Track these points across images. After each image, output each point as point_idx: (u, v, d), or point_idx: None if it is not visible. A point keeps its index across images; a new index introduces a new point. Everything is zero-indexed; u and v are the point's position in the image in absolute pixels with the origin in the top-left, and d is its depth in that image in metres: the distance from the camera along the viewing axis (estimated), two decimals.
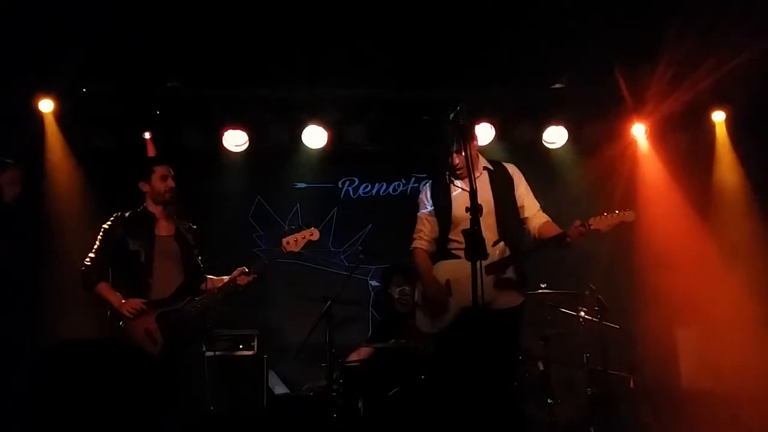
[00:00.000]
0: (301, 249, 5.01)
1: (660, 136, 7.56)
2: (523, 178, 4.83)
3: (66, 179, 7.10)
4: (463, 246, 4.48)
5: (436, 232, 4.81)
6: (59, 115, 7.01)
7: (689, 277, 6.93)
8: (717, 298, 6.74)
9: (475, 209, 3.98)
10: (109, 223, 5.01)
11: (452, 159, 4.66)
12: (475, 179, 4.07)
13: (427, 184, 4.95)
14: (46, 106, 6.92)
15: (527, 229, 4.77)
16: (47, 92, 6.87)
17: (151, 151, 7.34)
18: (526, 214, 4.76)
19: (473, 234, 3.99)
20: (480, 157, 4.84)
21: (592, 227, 4.40)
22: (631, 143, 7.63)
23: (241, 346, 6.45)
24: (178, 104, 7.22)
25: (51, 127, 7.00)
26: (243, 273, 4.98)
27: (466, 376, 4.41)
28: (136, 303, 4.75)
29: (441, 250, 4.78)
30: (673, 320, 7.01)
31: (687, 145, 7.59)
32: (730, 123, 7.49)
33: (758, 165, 7.34)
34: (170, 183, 5.05)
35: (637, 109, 7.29)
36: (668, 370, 6.85)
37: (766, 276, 6.37)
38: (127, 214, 5.05)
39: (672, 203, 7.35)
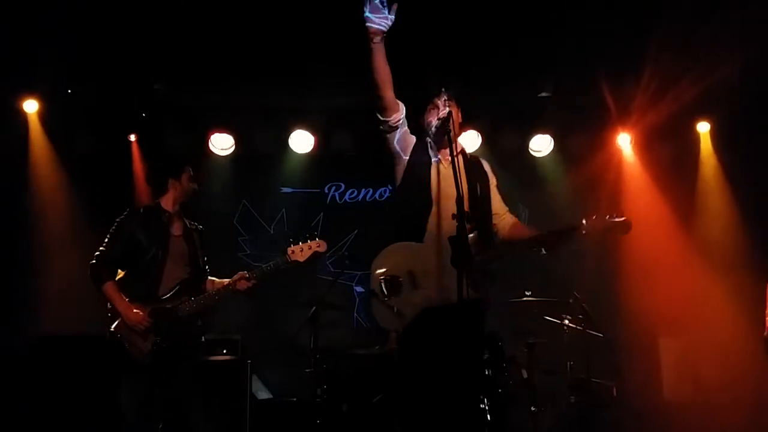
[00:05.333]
0: (307, 260, 4.93)
1: (645, 146, 7.62)
2: (494, 177, 4.58)
3: (49, 179, 7.07)
4: (434, 236, 4.20)
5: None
6: (43, 115, 6.98)
7: (672, 287, 6.99)
8: (700, 309, 6.80)
9: (462, 216, 3.87)
10: (123, 216, 4.95)
11: (435, 111, 4.36)
12: (457, 162, 3.86)
13: (414, 137, 4.44)
14: (31, 106, 6.90)
15: (495, 227, 4.50)
16: (32, 93, 6.84)
17: (136, 154, 7.32)
18: (495, 211, 4.49)
19: (459, 242, 3.87)
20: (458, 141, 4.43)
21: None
22: (617, 153, 7.69)
23: (224, 351, 6.40)
24: (164, 107, 7.18)
25: (35, 128, 6.98)
26: (243, 278, 4.96)
27: (440, 379, 3.98)
28: (141, 319, 4.70)
29: (410, 227, 4.34)
30: (656, 330, 7.05)
31: (671, 155, 7.63)
32: (714, 134, 7.57)
33: (742, 176, 7.40)
34: (195, 184, 5.15)
35: (622, 119, 7.36)
36: (651, 379, 6.89)
37: (748, 286, 6.40)
38: (141, 210, 5.03)
39: (656, 213, 7.40)
